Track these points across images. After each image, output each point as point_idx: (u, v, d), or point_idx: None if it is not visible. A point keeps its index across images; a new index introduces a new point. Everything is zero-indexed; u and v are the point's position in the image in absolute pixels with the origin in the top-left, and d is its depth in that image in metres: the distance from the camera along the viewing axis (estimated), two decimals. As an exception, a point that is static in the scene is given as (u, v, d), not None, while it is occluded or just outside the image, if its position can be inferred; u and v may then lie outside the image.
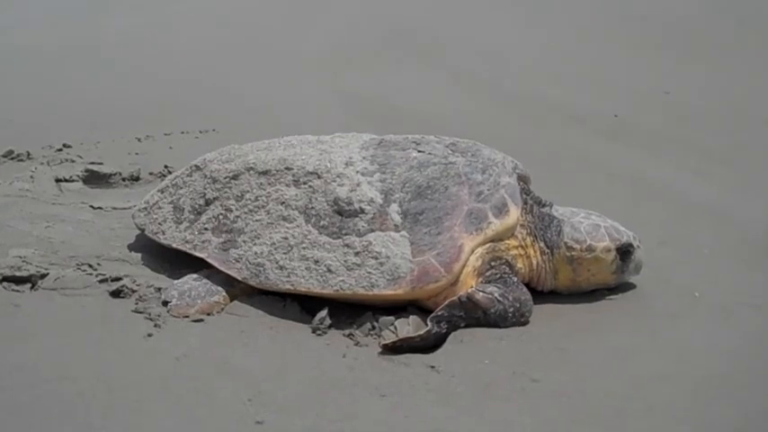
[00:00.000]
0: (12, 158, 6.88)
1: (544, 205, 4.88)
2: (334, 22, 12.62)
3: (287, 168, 4.76)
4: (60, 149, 7.13)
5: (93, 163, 6.69)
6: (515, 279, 4.56)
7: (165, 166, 6.66)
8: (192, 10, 13.40)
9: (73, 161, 6.84)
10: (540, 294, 4.74)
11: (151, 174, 6.61)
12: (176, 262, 4.93)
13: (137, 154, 7.19)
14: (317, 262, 4.44)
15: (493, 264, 4.55)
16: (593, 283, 4.79)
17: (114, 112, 8.48)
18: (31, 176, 6.39)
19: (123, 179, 6.49)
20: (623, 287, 4.87)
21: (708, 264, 5.27)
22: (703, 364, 4.09)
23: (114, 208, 5.86)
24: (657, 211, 6.13)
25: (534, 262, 4.71)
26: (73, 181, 6.39)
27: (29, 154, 6.96)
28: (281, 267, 4.48)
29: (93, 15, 12.83)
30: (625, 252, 4.75)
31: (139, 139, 7.58)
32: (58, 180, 6.37)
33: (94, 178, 6.43)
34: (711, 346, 4.28)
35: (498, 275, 4.52)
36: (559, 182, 6.22)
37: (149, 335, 4.25)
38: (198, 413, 3.60)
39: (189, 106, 8.77)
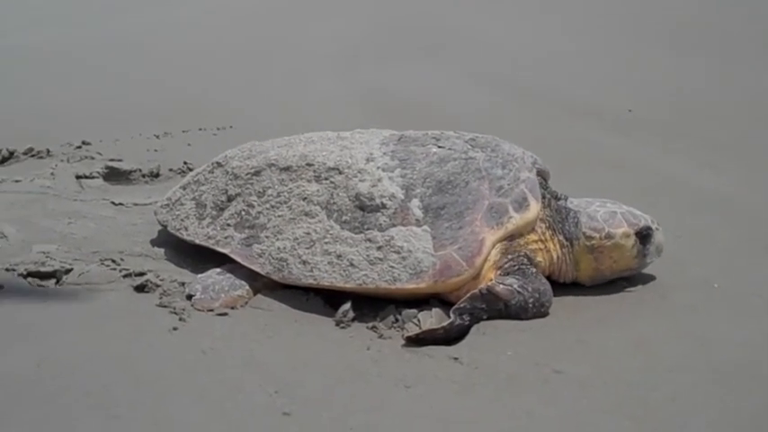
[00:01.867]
0: (32, 156, 6.95)
1: (559, 198, 4.90)
2: (351, 18, 12.65)
3: (308, 164, 4.80)
4: (80, 147, 7.18)
5: (112, 160, 6.74)
6: (534, 270, 4.58)
7: (185, 163, 6.71)
8: (208, 8, 13.45)
9: (92, 158, 6.90)
10: (560, 287, 4.76)
11: (171, 170, 6.66)
12: (198, 257, 4.98)
13: (155, 151, 7.24)
14: (339, 257, 4.48)
15: (511, 257, 4.58)
16: (617, 270, 4.81)
17: (132, 110, 8.55)
18: (52, 173, 6.45)
19: (143, 176, 6.54)
20: (642, 279, 4.90)
21: (724, 256, 5.29)
22: (723, 355, 4.10)
23: (135, 204, 5.92)
24: (672, 205, 6.13)
25: (555, 255, 4.74)
26: (93, 178, 6.45)
27: (48, 151, 7.01)
28: (304, 262, 4.52)
29: (112, 13, 12.88)
30: (645, 235, 4.76)
31: (158, 136, 7.64)
32: (78, 177, 6.43)
33: (115, 175, 6.49)
34: (731, 336, 4.29)
35: (516, 267, 4.54)
36: (573, 176, 6.24)
37: (174, 328, 4.28)
38: (224, 406, 3.63)
39: (206, 103, 8.83)
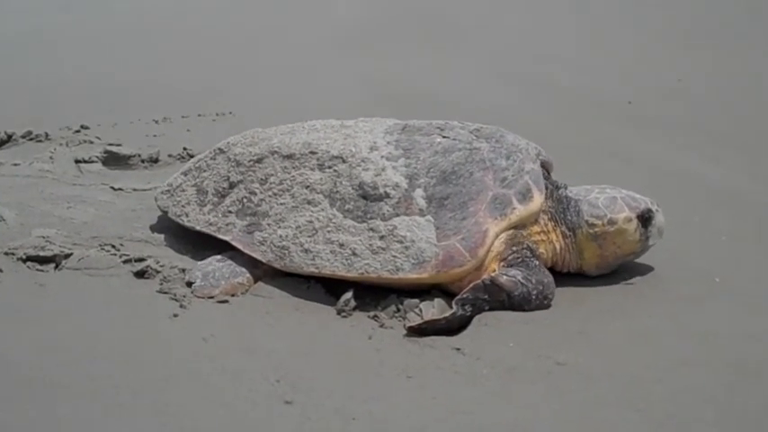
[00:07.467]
0: (30, 139, 6.94)
1: (559, 188, 4.88)
2: (354, 5, 12.61)
3: (311, 152, 4.77)
4: (78, 131, 7.18)
5: (111, 144, 6.74)
6: (537, 262, 4.57)
7: (184, 149, 6.70)
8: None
9: (91, 142, 6.90)
10: (562, 278, 4.73)
11: (170, 156, 6.65)
12: (198, 244, 4.97)
13: (155, 136, 7.24)
14: (342, 245, 4.46)
15: (515, 248, 4.56)
16: (621, 255, 4.79)
17: (130, 95, 8.54)
18: (51, 157, 6.44)
19: (142, 161, 6.53)
20: (644, 271, 4.88)
21: (726, 249, 5.28)
22: (726, 349, 4.08)
23: (135, 189, 5.90)
24: (674, 197, 6.09)
25: (557, 246, 4.73)
26: (92, 162, 6.44)
27: (47, 135, 7.01)
28: (306, 250, 4.50)
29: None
30: (646, 218, 4.74)
31: (157, 122, 7.64)
32: (77, 161, 6.43)
33: (114, 160, 6.47)
34: (733, 330, 4.27)
35: (520, 259, 4.53)
36: (575, 167, 6.19)
37: (175, 315, 4.28)
38: (226, 393, 3.62)
39: (205, 89, 8.83)
